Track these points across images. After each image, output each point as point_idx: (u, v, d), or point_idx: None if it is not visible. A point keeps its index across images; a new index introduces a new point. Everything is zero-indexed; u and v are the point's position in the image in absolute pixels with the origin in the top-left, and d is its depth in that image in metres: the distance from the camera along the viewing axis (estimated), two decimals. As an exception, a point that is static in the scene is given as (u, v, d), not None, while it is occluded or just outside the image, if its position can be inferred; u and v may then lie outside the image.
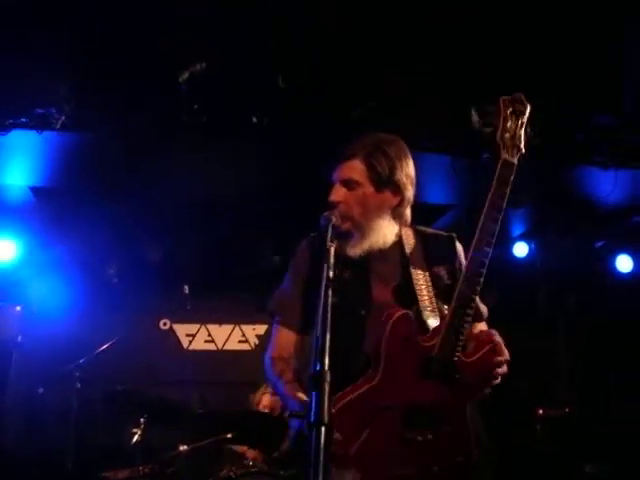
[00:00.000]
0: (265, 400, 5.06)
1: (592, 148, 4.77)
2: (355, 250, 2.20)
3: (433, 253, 2.29)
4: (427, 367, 1.98)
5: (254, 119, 3.64)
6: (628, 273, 6.37)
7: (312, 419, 1.42)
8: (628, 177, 5.08)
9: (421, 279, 2.20)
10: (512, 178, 2.06)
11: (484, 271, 2.01)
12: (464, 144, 4.21)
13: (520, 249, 6.53)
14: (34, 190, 5.40)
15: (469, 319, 2.00)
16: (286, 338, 2.29)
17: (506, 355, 2.05)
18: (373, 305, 2.16)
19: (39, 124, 3.85)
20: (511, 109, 2.12)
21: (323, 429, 1.42)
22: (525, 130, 2.13)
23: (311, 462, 1.41)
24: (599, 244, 6.64)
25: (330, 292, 1.62)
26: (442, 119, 4.10)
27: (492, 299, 7.27)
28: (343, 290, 2.03)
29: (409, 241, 2.30)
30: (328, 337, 1.50)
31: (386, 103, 3.88)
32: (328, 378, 1.45)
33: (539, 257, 6.63)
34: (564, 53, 3.94)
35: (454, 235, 2.39)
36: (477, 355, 2.03)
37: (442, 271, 2.26)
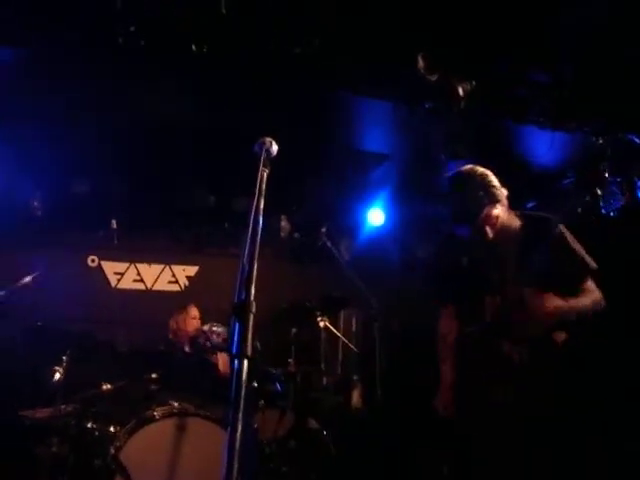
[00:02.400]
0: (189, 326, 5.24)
1: (530, 105, 4.80)
2: None
3: None
4: None
5: (193, 46, 3.45)
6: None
7: (234, 350, 1.36)
8: (564, 139, 5.16)
9: None
10: None
11: None
12: (407, 91, 4.15)
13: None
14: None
15: None
16: (445, 313, 3.16)
17: None
18: None
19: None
20: None
21: (245, 362, 1.37)
22: None
23: (232, 396, 1.36)
24: (530, 205, 6.78)
25: (260, 220, 1.55)
26: (385, 63, 4.02)
27: (425, 251, 7.28)
28: None
29: None
30: (255, 266, 1.43)
31: (330, 43, 3.75)
32: (253, 309, 1.40)
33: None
34: (505, 9, 3.92)
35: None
36: None
37: None
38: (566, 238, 2.92)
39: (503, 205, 2.94)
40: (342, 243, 6.71)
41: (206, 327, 5.11)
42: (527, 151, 5.58)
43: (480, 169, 2.96)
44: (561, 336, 2.87)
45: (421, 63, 3.86)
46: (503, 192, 2.95)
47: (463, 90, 4.21)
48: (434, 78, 3.94)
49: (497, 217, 2.89)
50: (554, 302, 2.78)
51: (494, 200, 2.89)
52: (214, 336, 5.12)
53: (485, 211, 2.87)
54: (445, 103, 4.32)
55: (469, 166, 3.00)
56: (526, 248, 2.82)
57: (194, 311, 5.37)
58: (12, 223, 5.89)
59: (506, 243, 2.91)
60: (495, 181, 2.94)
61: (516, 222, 2.96)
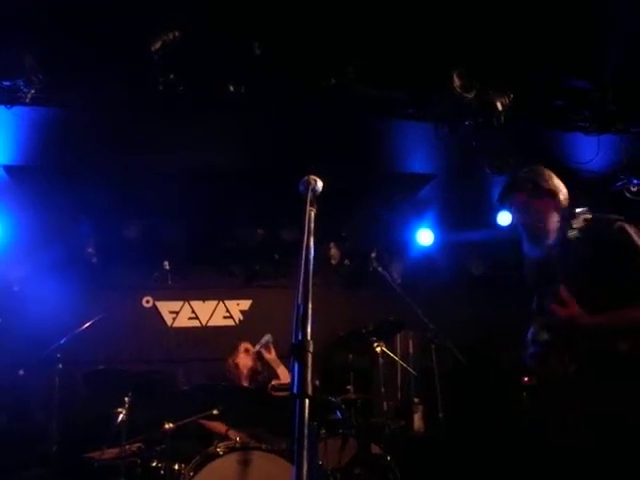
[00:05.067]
0: (243, 360, 5.26)
1: (574, 113, 4.73)
2: None
3: None
4: None
5: (231, 88, 3.53)
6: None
7: (295, 390, 1.37)
8: (611, 142, 5.05)
9: None
10: None
11: None
12: (446, 110, 4.13)
13: (504, 217, 6.48)
14: (8, 169, 5.26)
15: None
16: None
17: None
18: None
19: (7, 98, 3.69)
20: None
21: (307, 401, 1.37)
22: None
23: (296, 435, 1.36)
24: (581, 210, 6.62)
25: (311, 258, 1.55)
26: (423, 85, 4.02)
27: (478, 268, 7.19)
28: None
29: None
30: (310, 305, 1.44)
31: (365, 69, 3.78)
32: (310, 348, 1.40)
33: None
34: (546, 19, 3.88)
35: None
36: None
37: None
38: (627, 233, 2.78)
39: (558, 201, 2.93)
40: (393, 266, 6.67)
41: (257, 347, 5.19)
42: (574, 158, 5.49)
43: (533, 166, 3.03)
44: (624, 345, 2.70)
45: (457, 82, 3.85)
46: (556, 187, 2.96)
47: (501, 104, 4.18)
48: (471, 95, 3.93)
49: (524, 203, 2.91)
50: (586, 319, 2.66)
51: (537, 190, 2.92)
52: (265, 351, 5.20)
53: (517, 194, 2.94)
54: (485, 118, 4.29)
55: None
56: (585, 248, 2.76)
57: (244, 346, 5.36)
58: (69, 271, 6.07)
59: (563, 239, 2.88)
60: (544, 174, 2.97)
61: (579, 223, 2.90)
